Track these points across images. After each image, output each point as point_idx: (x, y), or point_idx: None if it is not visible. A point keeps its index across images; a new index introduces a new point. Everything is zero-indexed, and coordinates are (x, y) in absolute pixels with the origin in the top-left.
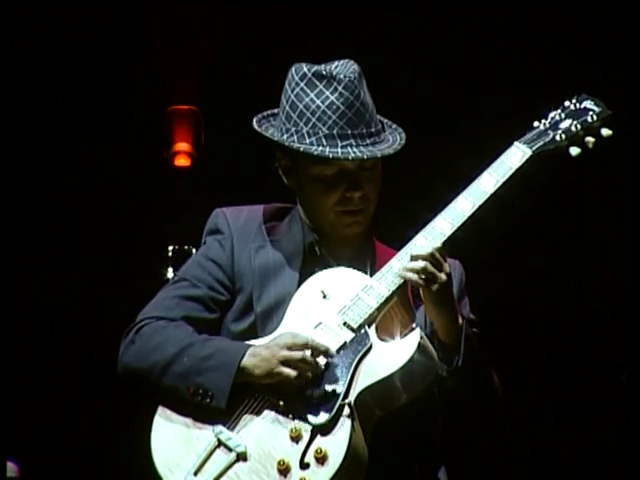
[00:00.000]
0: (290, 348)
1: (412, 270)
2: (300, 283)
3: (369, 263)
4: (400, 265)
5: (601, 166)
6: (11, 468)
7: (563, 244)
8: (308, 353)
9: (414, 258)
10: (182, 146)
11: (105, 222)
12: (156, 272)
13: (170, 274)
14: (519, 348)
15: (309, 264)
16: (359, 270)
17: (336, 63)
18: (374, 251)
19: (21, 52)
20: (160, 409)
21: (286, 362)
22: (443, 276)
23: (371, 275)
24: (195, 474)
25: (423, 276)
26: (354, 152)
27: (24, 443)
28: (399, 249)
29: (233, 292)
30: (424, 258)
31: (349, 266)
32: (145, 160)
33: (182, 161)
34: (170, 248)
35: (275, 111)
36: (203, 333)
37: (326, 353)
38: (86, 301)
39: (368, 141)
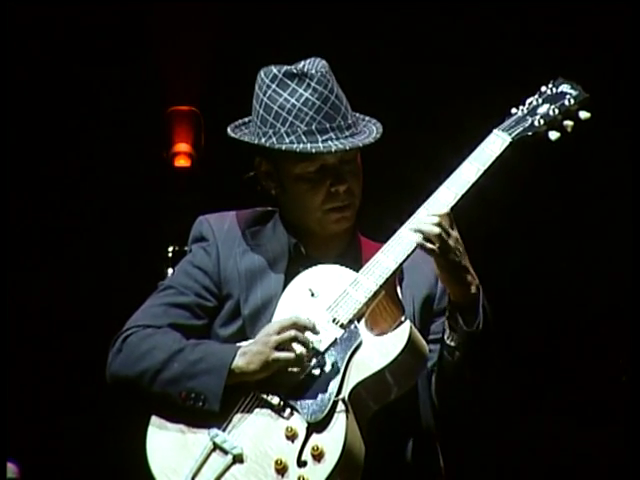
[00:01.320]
0: (279, 332)
1: (422, 233)
2: (286, 284)
3: (355, 260)
4: (386, 258)
5: (597, 156)
6: (11, 469)
7: (562, 243)
8: (299, 332)
9: (419, 229)
10: (182, 147)
11: (105, 223)
12: (156, 273)
13: (170, 275)
14: (518, 350)
15: (295, 265)
16: (346, 267)
17: (303, 62)
18: (360, 247)
19: (20, 52)
20: (154, 417)
21: (279, 346)
22: (451, 242)
23: (358, 271)
24: (193, 479)
25: (436, 243)
26: (335, 145)
27: (24, 444)
28: (384, 242)
29: (220, 298)
30: (433, 224)
31: (335, 264)
32: (145, 161)
33: (182, 162)
34: (170, 249)
35: (246, 120)
36: (190, 339)
37: (314, 329)
38: (87, 302)
39: (347, 133)
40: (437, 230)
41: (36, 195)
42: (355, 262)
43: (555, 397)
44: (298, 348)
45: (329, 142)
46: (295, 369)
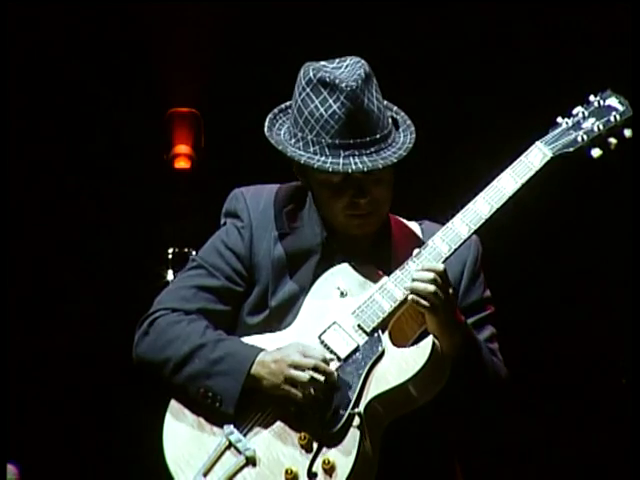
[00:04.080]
0: (297, 367)
1: (416, 293)
2: (315, 277)
3: (387, 253)
4: (416, 268)
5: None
6: (11, 471)
7: (562, 244)
8: (314, 374)
9: (413, 288)
10: (182, 148)
11: (105, 224)
12: (156, 274)
13: (170, 276)
14: (519, 352)
15: (325, 258)
16: (377, 260)
17: (347, 62)
18: (391, 238)
19: (20, 54)
20: (173, 402)
21: (292, 382)
22: (442, 297)
23: (389, 264)
24: (205, 475)
25: (426, 301)
26: (355, 163)
27: (24, 446)
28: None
29: (250, 283)
30: (426, 281)
31: (367, 257)
32: (145, 163)
33: (182, 164)
34: (170, 250)
35: (288, 104)
36: (216, 325)
37: (331, 376)
38: (87, 303)
39: (372, 149)
40: (432, 288)
41: (36, 197)
42: (386, 255)
43: (555, 400)
44: (307, 390)
45: (350, 159)
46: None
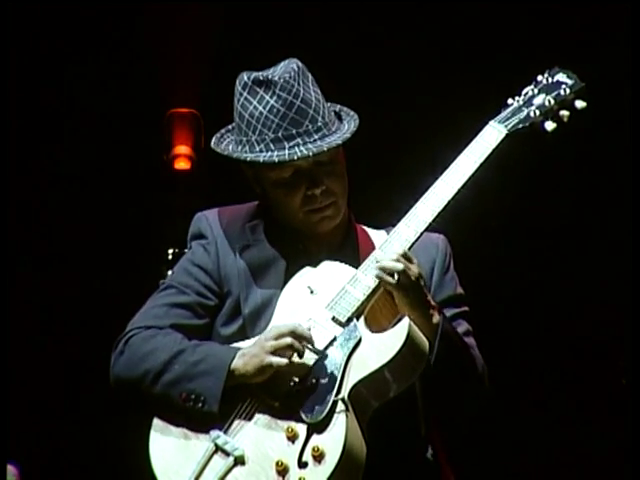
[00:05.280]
0: (276, 338)
1: (385, 271)
2: (286, 281)
3: (353, 253)
4: (384, 255)
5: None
6: (11, 471)
7: (562, 243)
8: (295, 340)
9: (381, 267)
10: (182, 149)
11: (105, 225)
12: (156, 275)
13: (170, 274)
14: (518, 352)
15: (293, 261)
16: (344, 261)
17: (280, 64)
18: (356, 239)
19: (20, 53)
20: (156, 419)
21: (274, 352)
22: (412, 276)
23: (356, 264)
24: None
25: (394, 279)
26: (300, 151)
27: (25, 447)
28: (380, 229)
29: (221, 296)
30: (392, 260)
31: (333, 259)
32: (145, 163)
33: (182, 164)
34: (170, 251)
35: (230, 127)
36: (193, 339)
37: (311, 339)
38: (87, 304)
39: (316, 136)
40: (399, 266)
41: (37, 197)
42: (352, 255)
43: (555, 400)
44: (293, 355)
45: (295, 149)
46: (289, 374)
